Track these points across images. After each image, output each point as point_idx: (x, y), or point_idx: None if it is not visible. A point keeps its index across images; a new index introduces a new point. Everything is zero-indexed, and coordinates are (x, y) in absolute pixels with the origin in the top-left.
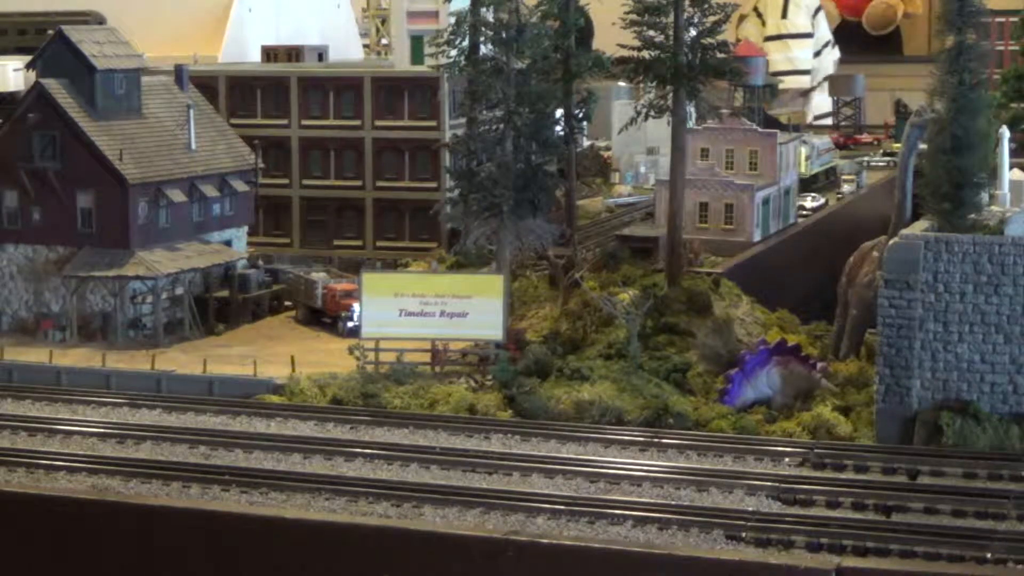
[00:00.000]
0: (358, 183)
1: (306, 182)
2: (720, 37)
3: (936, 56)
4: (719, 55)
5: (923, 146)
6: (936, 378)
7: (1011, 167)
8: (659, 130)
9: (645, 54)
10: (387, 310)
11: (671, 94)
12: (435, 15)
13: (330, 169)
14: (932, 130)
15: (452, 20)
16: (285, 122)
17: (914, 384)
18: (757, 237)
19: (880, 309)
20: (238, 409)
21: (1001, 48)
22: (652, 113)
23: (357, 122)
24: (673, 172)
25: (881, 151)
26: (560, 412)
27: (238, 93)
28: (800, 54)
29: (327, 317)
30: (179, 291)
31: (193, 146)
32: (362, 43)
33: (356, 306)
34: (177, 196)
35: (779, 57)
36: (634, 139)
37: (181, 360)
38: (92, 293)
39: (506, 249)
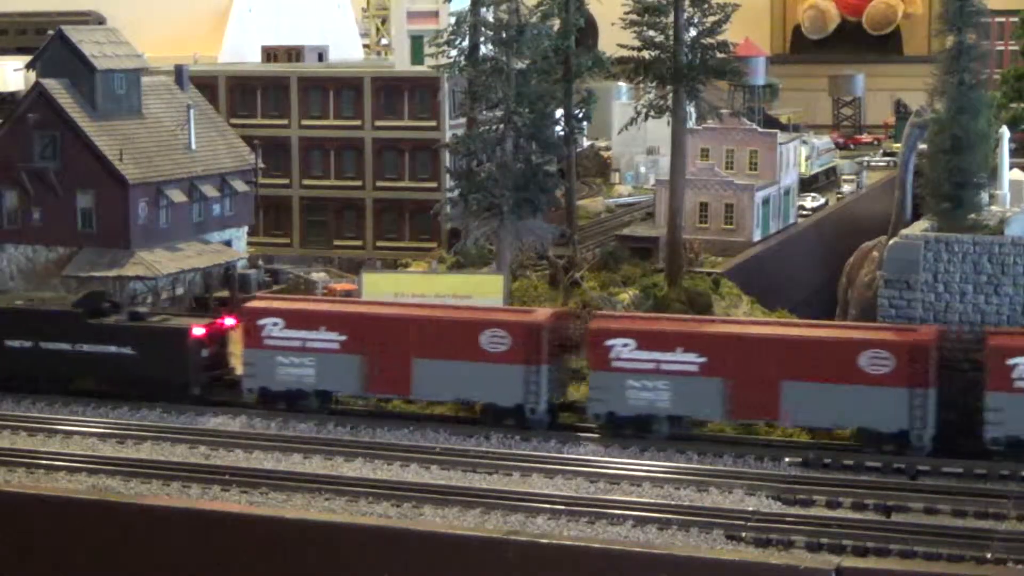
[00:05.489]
0: (358, 183)
1: (306, 182)
2: (720, 37)
3: (936, 56)
4: (719, 55)
5: (923, 146)
6: None
7: (1011, 167)
8: (659, 130)
9: (645, 54)
10: None
11: (671, 94)
12: (435, 15)
13: (330, 169)
14: (932, 130)
15: (452, 20)
16: (285, 122)
17: None
18: (757, 237)
19: (880, 309)
20: (238, 409)
21: (1001, 48)
22: (652, 113)
23: (357, 122)
24: (673, 172)
25: (881, 151)
26: None
27: (238, 93)
28: None
29: None
30: (179, 291)
31: (193, 146)
32: (362, 43)
33: None
34: (177, 196)
35: None
36: (634, 139)
37: None
38: None
39: (506, 249)
